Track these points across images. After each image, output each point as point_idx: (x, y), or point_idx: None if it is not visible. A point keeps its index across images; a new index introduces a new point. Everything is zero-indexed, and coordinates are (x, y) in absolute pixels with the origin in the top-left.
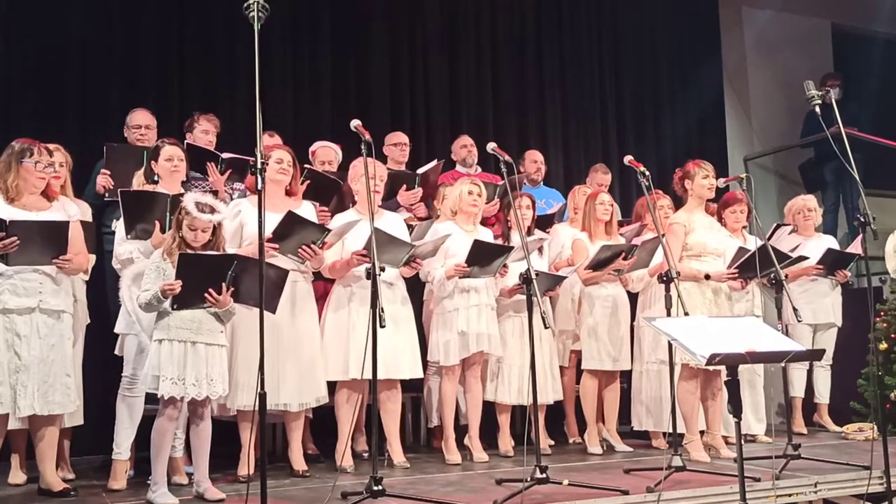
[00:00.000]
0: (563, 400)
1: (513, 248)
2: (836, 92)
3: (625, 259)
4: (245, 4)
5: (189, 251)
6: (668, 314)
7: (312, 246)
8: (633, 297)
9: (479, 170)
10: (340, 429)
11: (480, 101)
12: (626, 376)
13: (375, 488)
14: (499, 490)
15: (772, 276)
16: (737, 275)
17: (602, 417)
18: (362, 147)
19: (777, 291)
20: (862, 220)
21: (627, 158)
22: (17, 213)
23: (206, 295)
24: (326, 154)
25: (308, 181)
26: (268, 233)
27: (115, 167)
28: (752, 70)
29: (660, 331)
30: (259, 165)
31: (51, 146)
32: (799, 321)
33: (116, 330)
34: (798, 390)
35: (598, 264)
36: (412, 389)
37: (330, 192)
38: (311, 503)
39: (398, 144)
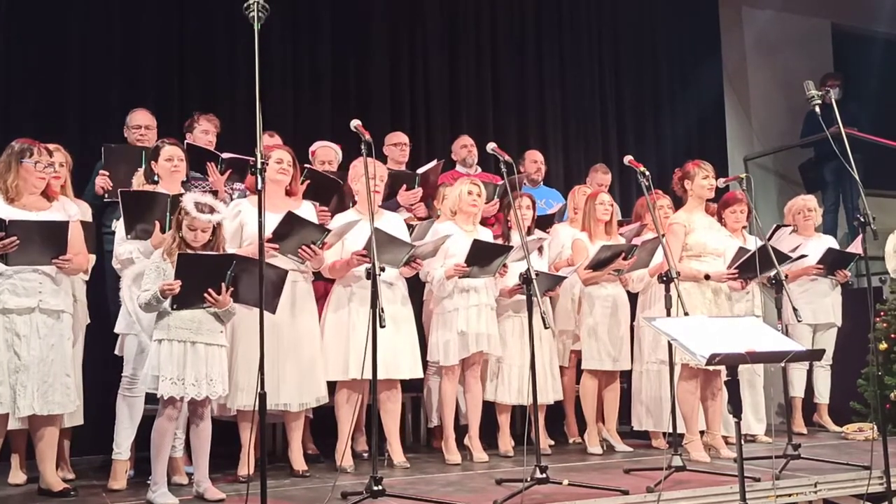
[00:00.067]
0: (563, 400)
1: (512, 247)
2: (836, 92)
3: (625, 259)
4: (245, 4)
5: (189, 251)
6: (668, 314)
7: (312, 246)
8: (633, 297)
9: (479, 170)
10: (340, 429)
11: (480, 101)
12: (626, 376)
13: (375, 488)
14: (499, 490)
15: (771, 276)
16: (737, 275)
17: (602, 417)
18: (362, 147)
19: (777, 291)
20: (862, 220)
21: (627, 158)
22: (16, 213)
23: (205, 295)
24: (326, 154)
25: (308, 181)
26: (268, 233)
27: (114, 168)
28: (752, 70)
29: (660, 331)
30: (259, 165)
31: (51, 146)
32: (799, 321)
33: (116, 330)
34: (798, 390)
35: (598, 264)
36: (412, 389)
37: (330, 191)
38: (311, 503)
39: (398, 144)
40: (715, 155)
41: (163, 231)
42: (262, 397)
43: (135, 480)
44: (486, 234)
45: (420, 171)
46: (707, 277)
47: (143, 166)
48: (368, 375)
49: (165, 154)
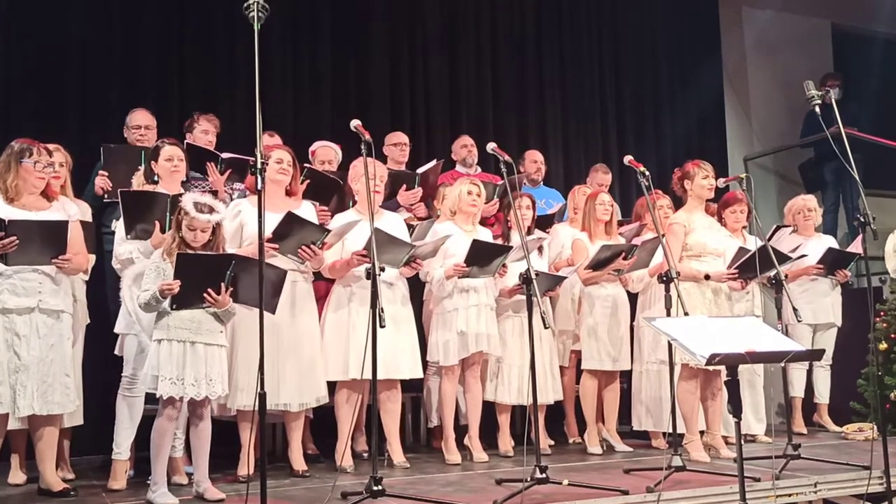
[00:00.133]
0: (562, 400)
1: (511, 247)
2: (836, 92)
3: (625, 259)
4: (245, 4)
5: (188, 251)
6: (668, 314)
7: (312, 246)
8: (632, 297)
9: (479, 170)
10: (340, 429)
11: (480, 101)
12: (626, 376)
13: (375, 488)
14: (499, 490)
15: (771, 276)
16: (736, 275)
17: (602, 417)
18: (362, 147)
19: (777, 291)
20: (862, 220)
21: (627, 158)
22: (16, 213)
23: (204, 295)
24: (326, 154)
25: (308, 180)
26: (268, 233)
27: (113, 168)
28: (752, 70)
29: (660, 331)
30: (259, 165)
31: (51, 146)
32: (799, 321)
33: (116, 330)
34: (798, 390)
35: (597, 264)
36: (412, 389)
37: (330, 191)
38: (311, 503)
39: (398, 144)
40: (715, 155)
41: (163, 231)
42: (262, 397)
43: (135, 480)
44: (486, 235)
45: (420, 171)
46: (707, 277)
47: (143, 166)
48: (368, 375)
49: (165, 154)
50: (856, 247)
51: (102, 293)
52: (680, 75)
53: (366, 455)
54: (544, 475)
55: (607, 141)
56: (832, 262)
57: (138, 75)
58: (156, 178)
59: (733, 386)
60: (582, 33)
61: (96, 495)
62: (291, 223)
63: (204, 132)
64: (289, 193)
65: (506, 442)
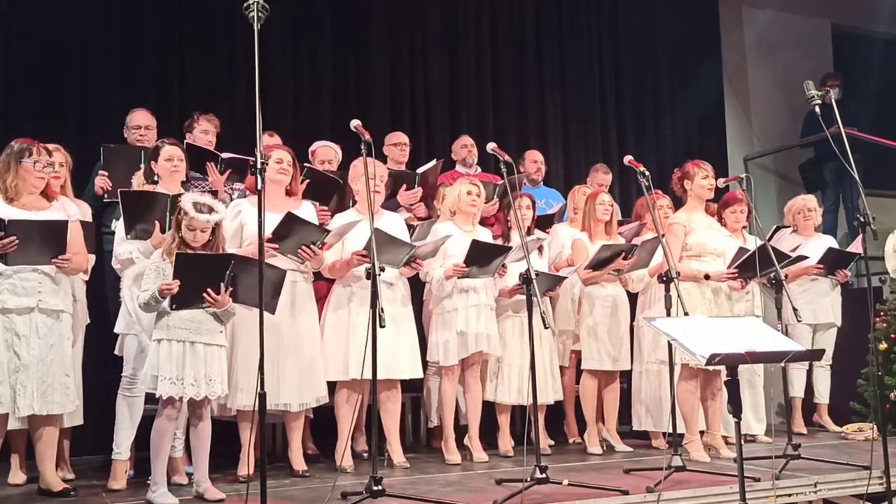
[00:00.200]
0: (562, 400)
1: (510, 247)
2: (836, 92)
3: (625, 259)
4: (245, 4)
5: (188, 251)
6: (668, 314)
7: (312, 246)
8: (632, 297)
9: (479, 170)
10: (340, 429)
11: (480, 101)
12: (625, 376)
13: (375, 488)
14: (499, 490)
15: (771, 275)
16: (736, 274)
17: (602, 417)
18: (362, 147)
19: (777, 291)
20: (862, 220)
21: (627, 158)
22: (16, 213)
23: (204, 295)
24: (326, 154)
25: (308, 180)
26: (267, 233)
27: (113, 168)
28: (752, 70)
29: (660, 331)
30: (259, 165)
31: (50, 146)
32: (799, 321)
33: (116, 330)
34: (798, 390)
35: (597, 264)
36: (412, 389)
37: (330, 191)
38: (311, 503)
39: (398, 144)
40: (715, 155)
41: (163, 231)
42: (262, 397)
43: (135, 480)
44: (486, 235)
45: (420, 170)
46: (707, 277)
47: (143, 166)
48: (368, 375)
49: (165, 154)
50: (856, 247)
51: (102, 293)
52: (680, 75)
53: (366, 455)
54: (544, 475)
55: (607, 141)
56: (832, 262)
57: (138, 75)
58: (156, 178)
59: (733, 386)
60: (582, 33)
61: (96, 495)
62: (291, 223)
63: (204, 132)
64: (289, 193)
65: (506, 442)
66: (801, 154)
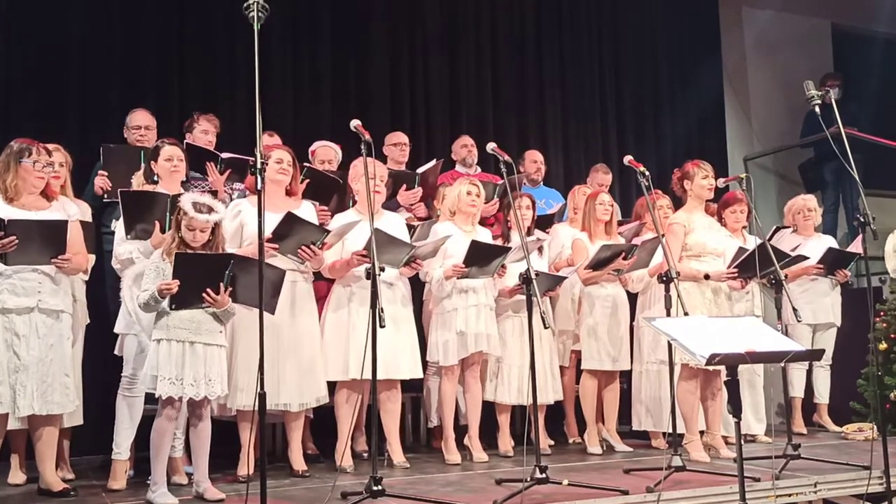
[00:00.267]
0: (562, 400)
1: (510, 248)
2: (835, 92)
3: (625, 259)
4: (245, 4)
5: (187, 251)
6: (668, 314)
7: (312, 246)
8: (632, 297)
9: (479, 170)
10: (340, 429)
11: (480, 101)
12: (625, 376)
13: (375, 488)
14: (499, 490)
15: (771, 275)
16: (736, 274)
17: (602, 417)
18: (362, 147)
19: (777, 291)
20: (862, 220)
21: (627, 158)
22: (15, 213)
23: (203, 295)
24: (326, 153)
25: (307, 180)
26: (267, 233)
27: (112, 168)
28: (752, 70)
29: (660, 331)
30: (259, 165)
31: (50, 146)
32: (799, 321)
33: (116, 330)
34: (798, 390)
35: (597, 264)
36: (412, 389)
37: (329, 190)
38: (310, 503)
39: (398, 144)
40: (715, 155)
41: (163, 231)
42: (262, 397)
43: (134, 480)
44: (486, 235)
45: (420, 170)
46: (707, 277)
47: (143, 166)
48: (368, 375)
49: (165, 154)
50: (856, 247)
51: (102, 293)
52: (680, 75)
53: (366, 455)
54: (544, 475)
55: (607, 141)
56: (832, 262)
57: (138, 75)
58: (155, 178)
59: (733, 386)
60: (582, 33)
61: (96, 495)
62: (291, 223)
63: (204, 132)
64: (289, 193)
65: (506, 442)
66: (801, 154)
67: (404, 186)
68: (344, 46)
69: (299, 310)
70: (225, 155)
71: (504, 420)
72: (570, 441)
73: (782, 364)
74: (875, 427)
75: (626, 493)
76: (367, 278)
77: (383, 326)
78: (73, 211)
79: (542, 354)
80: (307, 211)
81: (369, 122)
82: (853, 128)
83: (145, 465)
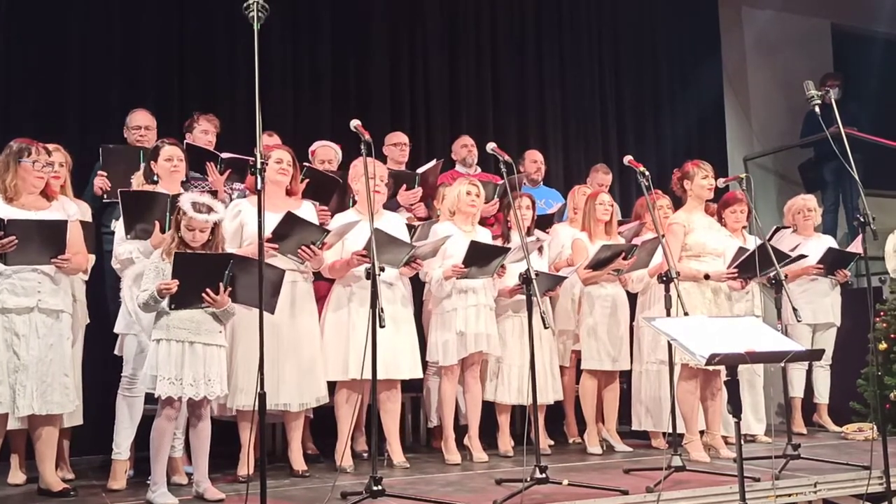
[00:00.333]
0: (562, 400)
1: (509, 248)
2: (835, 92)
3: (624, 259)
4: (245, 4)
5: (187, 251)
6: (668, 314)
7: (312, 246)
8: (632, 298)
9: (479, 170)
10: (340, 429)
11: (480, 101)
12: (625, 376)
13: (375, 488)
14: (499, 490)
15: (771, 275)
16: (736, 274)
17: (602, 417)
18: (362, 147)
19: (777, 291)
20: (862, 220)
21: (627, 158)
22: (15, 213)
23: (203, 295)
24: (326, 153)
25: (307, 179)
26: (267, 233)
27: (112, 168)
28: (752, 70)
29: (659, 331)
30: (259, 165)
31: (50, 146)
32: (798, 321)
33: (116, 330)
34: (798, 390)
35: (597, 264)
36: (412, 389)
37: (329, 190)
38: (310, 503)
39: (398, 144)
40: (715, 155)
41: (163, 231)
42: (262, 397)
43: (134, 480)
44: (485, 235)
45: (420, 171)
46: (707, 277)
47: (142, 166)
48: (368, 375)
49: (165, 154)
50: (856, 247)
51: (102, 293)
52: (680, 75)
53: (366, 455)
54: (544, 475)
55: (607, 141)
56: (832, 262)
57: (138, 75)
58: (155, 178)
59: (733, 386)
60: (582, 33)
61: (96, 495)
62: (291, 223)
63: (204, 132)
64: (289, 193)
65: (506, 442)
66: (801, 154)
67: (404, 186)
68: (344, 46)
69: (299, 310)
70: (225, 155)
71: (504, 420)
72: (570, 441)
73: (782, 364)
74: (875, 427)
75: (626, 493)
76: (367, 278)
77: (383, 326)
78: (72, 211)
79: (542, 354)
80: (307, 211)
81: (369, 122)
82: (853, 128)
83: (145, 465)
